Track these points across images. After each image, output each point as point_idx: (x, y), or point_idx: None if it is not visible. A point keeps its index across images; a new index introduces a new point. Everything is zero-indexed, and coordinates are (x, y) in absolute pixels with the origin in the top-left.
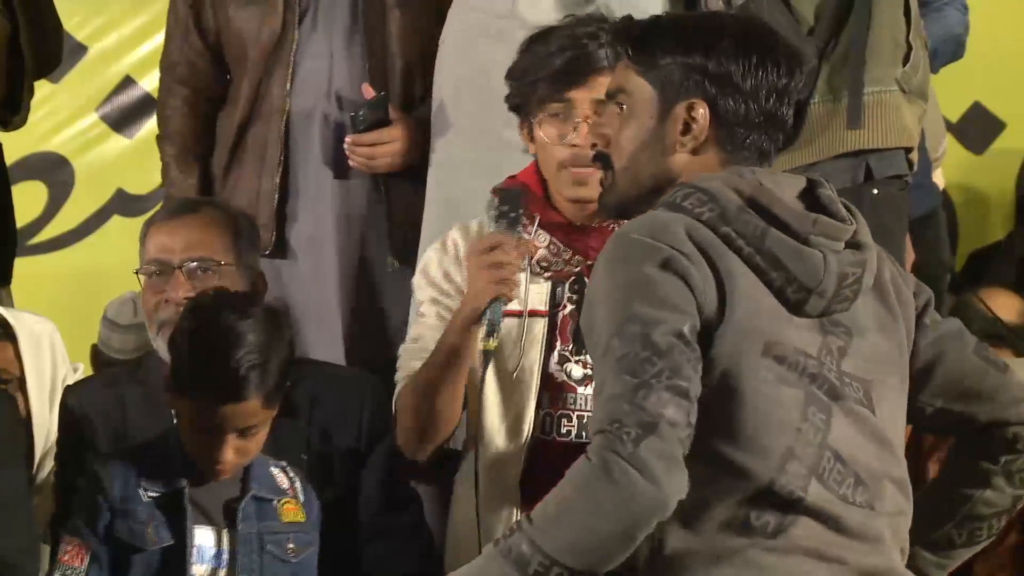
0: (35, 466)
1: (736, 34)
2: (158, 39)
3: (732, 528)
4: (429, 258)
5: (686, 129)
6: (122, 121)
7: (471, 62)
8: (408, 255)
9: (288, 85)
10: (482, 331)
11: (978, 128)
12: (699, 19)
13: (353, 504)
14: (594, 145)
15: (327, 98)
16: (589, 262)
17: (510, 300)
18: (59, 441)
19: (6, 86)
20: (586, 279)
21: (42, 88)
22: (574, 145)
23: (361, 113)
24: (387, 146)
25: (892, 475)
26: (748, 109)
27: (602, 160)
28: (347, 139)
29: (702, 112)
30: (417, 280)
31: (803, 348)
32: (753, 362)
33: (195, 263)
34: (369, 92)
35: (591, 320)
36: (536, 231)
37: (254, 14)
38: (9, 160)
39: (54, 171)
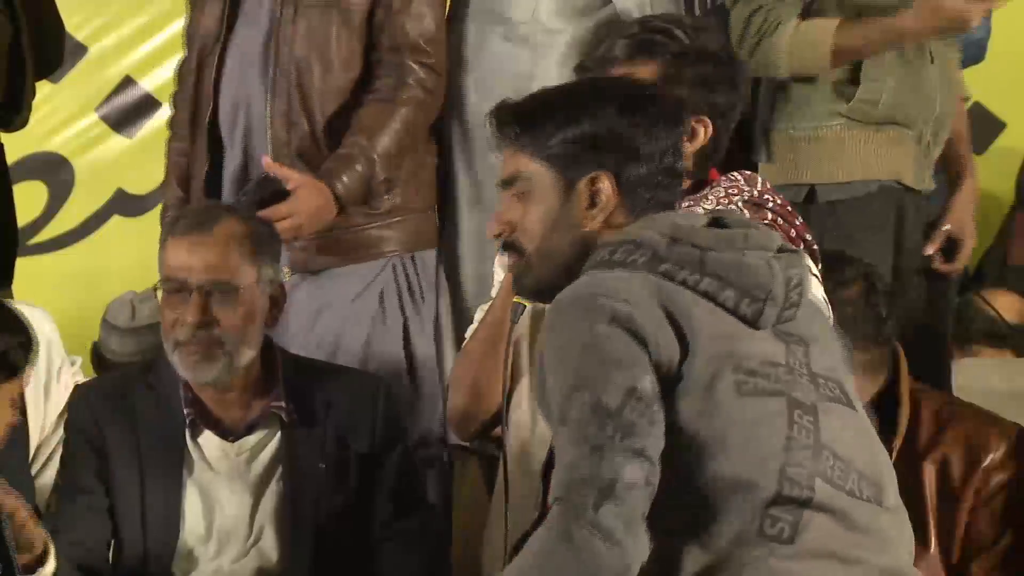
0: (30, 456)
1: (620, 98)
2: (158, 39)
3: (748, 540)
4: None
5: (592, 203)
6: (122, 121)
7: (492, 67)
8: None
9: (211, 90)
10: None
11: (978, 128)
12: (580, 89)
13: (365, 510)
14: (499, 235)
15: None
16: None
17: None
18: (65, 442)
19: (7, 87)
20: None
21: (42, 88)
22: None
23: (244, 193)
24: (284, 222)
25: (888, 470)
26: (648, 170)
27: (512, 248)
28: None
29: (606, 184)
30: (496, 264)
31: (771, 359)
32: (728, 383)
33: (213, 286)
34: (270, 166)
35: (542, 390)
36: None
37: (204, 10)
38: (9, 160)
39: (54, 171)
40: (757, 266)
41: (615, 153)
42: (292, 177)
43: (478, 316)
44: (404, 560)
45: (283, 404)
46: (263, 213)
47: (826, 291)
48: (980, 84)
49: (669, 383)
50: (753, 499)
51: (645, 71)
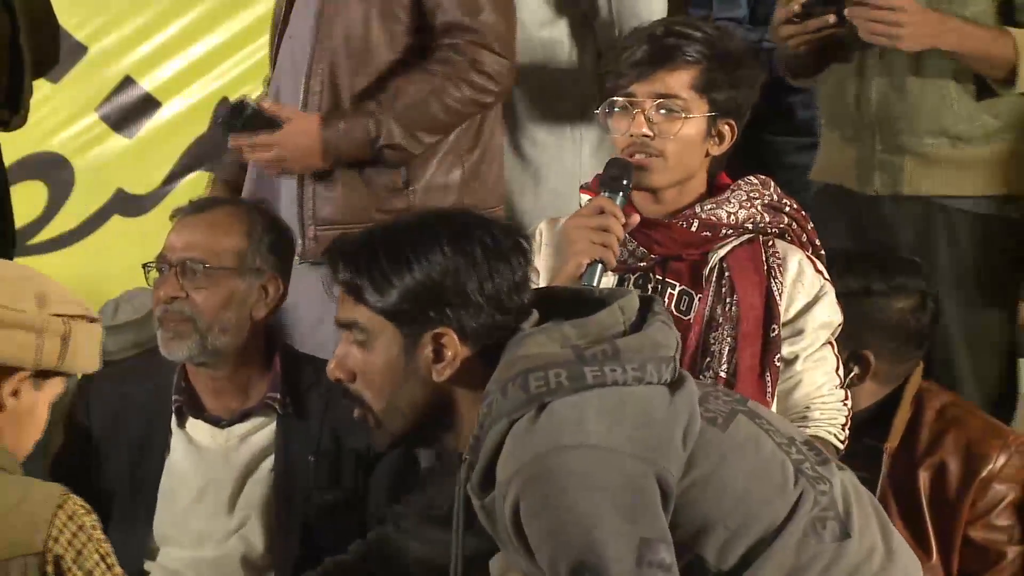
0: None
1: (453, 240)
2: (158, 39)
3: (809, 547)
4: (541, 228)
5: (439, 357)
6: (122, 121)
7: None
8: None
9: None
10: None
11: None
12: (412, 233)
13: (359, 509)
14: (338, 381)
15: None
16: (653, 256)
17: (608, 267)
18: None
19: (6, 85)
20: (652, 275)
21: (42, 88)
22: (633, 133)
23: (232, 115)
24: (266, 152)
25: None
26: (493, 315)
27: (354, 399)
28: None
29: (451, 338)
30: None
31: (701, 392)
32: (708, 429)
33: (187, 263)
34: (267, 105)
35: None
36: None
37: None
38: (9, 160)
39: (54, 171)
40: (658, 330)
41: (455, 303)
42: (283, 112)
43: None
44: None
45: (277, 395)
46: (246, 140)
47: (880, 293)
48: None
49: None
50: (801, 509)
51: (685, 75)
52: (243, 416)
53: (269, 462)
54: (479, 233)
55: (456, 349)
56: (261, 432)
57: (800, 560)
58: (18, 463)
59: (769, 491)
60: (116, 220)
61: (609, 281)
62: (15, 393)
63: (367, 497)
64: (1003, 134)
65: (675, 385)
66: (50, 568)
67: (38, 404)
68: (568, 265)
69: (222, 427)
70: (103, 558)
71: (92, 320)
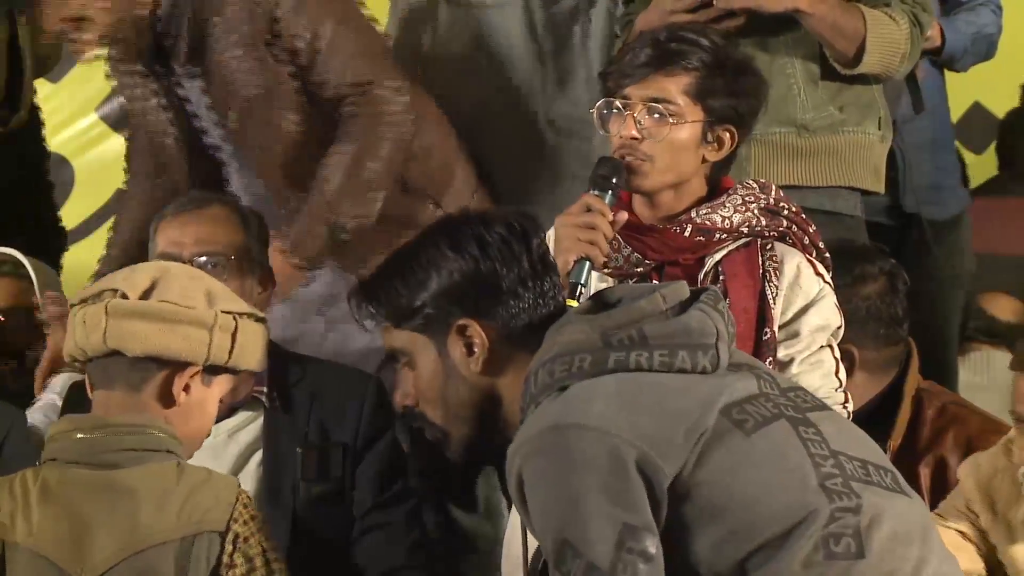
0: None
1: (451, 242)
2: None
3: (817, 566)
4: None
5: (470, 351)
6: (122, 121)
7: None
8: None
9: None
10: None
11: (978, 128)
12: (417, 248)
13: (347, 500)
14: (406, 408)
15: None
16: (648, 261)
17: (596, 265)
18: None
19: (6, 86)
20: (648, 280)
21: (42, 88)
22: (623, 135)
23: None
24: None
25: (885, 457)
26: (510, 299)
27: (423, 420)
28: None
29: (475, 328)
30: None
31: (750, 392)
32: (730, 431)
33: (204, 257)
34: None
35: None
36: None
37: None
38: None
39: (54, 171)
40: (694, 317)
41: (472, 297)
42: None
43: None
44: (385, 551)
45: (264, 389)
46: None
47: (845, 285)
48: (980, 84)
49: (682, 472)
50: (812, 524)
51: (680, 80)
52: (230, 411)
53: (258, 457)
54: (473, 229)
55: (482, 337)
56: (249, 427)
57: (805, 574)
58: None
59: (778, 503)
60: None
61: (609, 284)
62: (186, 388)
63: (354, 488)
64: (848, 126)
65: (714, 376)
66: (228, 547)
67: (208, 400)
68: (556, 262)
69: None
70: (264, 551)
71: (259, 320)
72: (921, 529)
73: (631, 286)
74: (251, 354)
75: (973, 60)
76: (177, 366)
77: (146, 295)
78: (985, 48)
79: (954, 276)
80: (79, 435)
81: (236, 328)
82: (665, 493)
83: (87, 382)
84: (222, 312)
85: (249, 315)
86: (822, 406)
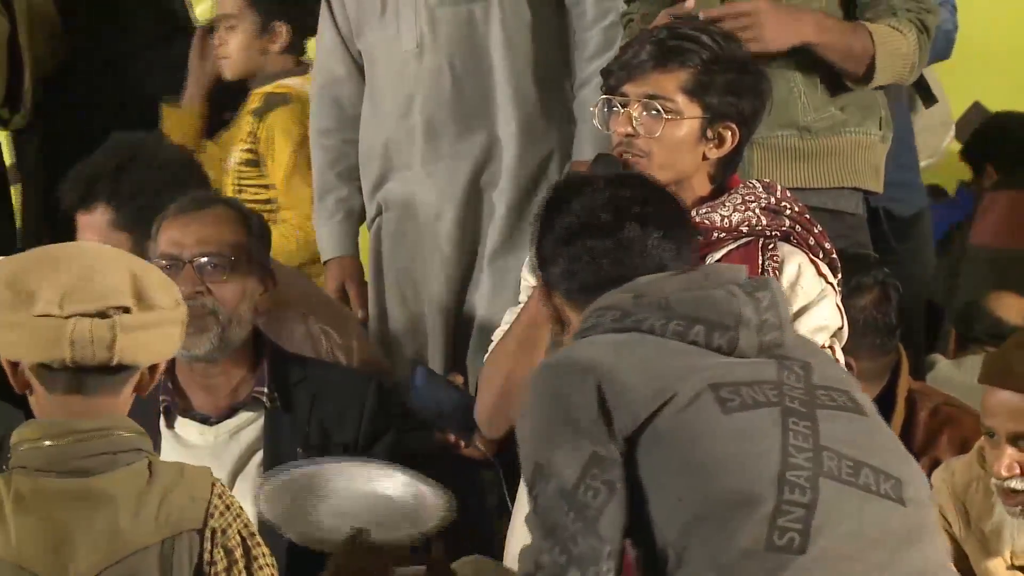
0: None
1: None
2: None
3: (756, 555)
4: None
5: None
6: None
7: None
8: None
9: None
10: None
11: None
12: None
13: None
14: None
15: None
16: None
17: None
18: None
19: (6, 84)
20: None
21: None
22: (619, 132)
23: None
24: None
25: (909, 467)
26: (574, 269)
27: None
28: None
29: (556, 299)
30: (524, 271)
31: (756, 378)
32: (709, 405)
33: (205, 258)
34: None
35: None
36: None
37: None
38: (9, 160)
39: None
40: (718, 296)
41: (548, 272)
42: None
43: (507, 318)
44: None
45: (265, 389)
46: None
47: (842, 296)
48: (980, 84)
49: (646, 426)
50: (756, 511)
51: (677, 77)
52: (231, 411)
53: (258, 457)
54: (560, 218)
55: (561, 306)
56: (249, 428)
57: (741, 558)
58: (152, 446)
59: (725, 483)
60: None
61: None
62: (153, 380)
63: None
64: (849, 127)
65: (723, 356)
66: (207, 544)
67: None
68: (533, 299)
69: (211, 424)
70: (244, 539)
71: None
72: (899, 539)
73: (713, 264)
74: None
75: (933, 55)
76: (152, 364)
77: (139, 301)
78: (943, 44)
79: (916, 272)
80: (48, 442)
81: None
82: (620, 440)
83: (31, 382)
84: (181, 303)
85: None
86: (853, 408)
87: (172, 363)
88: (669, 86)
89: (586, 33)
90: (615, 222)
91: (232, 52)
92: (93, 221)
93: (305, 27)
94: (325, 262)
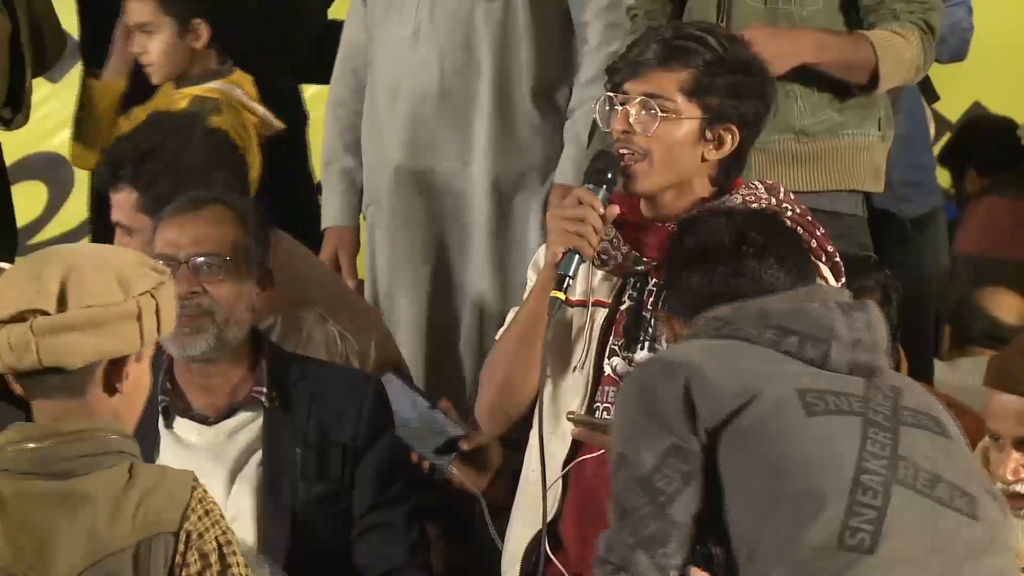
0: None
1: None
2: None
3: (828, 552)
4: (540, 252)
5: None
6: None
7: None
8: None
9: None
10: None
11: None
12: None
13: (347, 500)
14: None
15: None
16: (645, 259)
17: (585, 257)
18: None
19: (6, 84)
20: (650, 278)
21: (42, 88)
22: (616, 129)
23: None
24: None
25: (987, 488)
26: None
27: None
28: None
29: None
30: (529, 272)
31: (843, 390)
32: (794, 408)
33: (201, 258)
34: None
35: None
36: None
37: None
38: (9, 160)
39: (54, 171)
40: (814, 310)
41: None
42: None
43: (510, 317)
44: (385, 551)
45: (264, 389)
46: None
47: None
48: (980, 84)
49: (729, 422)
50: (829, 510)
51: (677, 77)
52: (229, 412)
53: (257, 457)
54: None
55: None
56: (248, 428)
57: (812, 555)
58: (138, 449)
59: (801, 482)
60: None
61: (611, 281)
62: (126, 376)
63: (354, 489)
64: (847, 129)
65: (814, 368)
66: (181, 546)
67: (144, 372)
68: (548, 254)
69: (209, 424)
70: (220, 546)
71: (164, 280)
72: (968, 549)
73: (819, 284)
74: (173, 316)
75: (949, 54)
76: (113, 361)
77: (62, 302)
78: (959, 44)
79: (929, 273)
80: (31, 445)
81: (157, 305)
82: (702, 434)
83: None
84: (140, 296)
85: (161, 283)
86: (938, 430)
87: (171, 363)
88: (669, 86)
89: (586, 57)
90: (735, 249)
91: (155, 58)
92: (121, 201)
93: (220, 20)
94: (324, 229)
